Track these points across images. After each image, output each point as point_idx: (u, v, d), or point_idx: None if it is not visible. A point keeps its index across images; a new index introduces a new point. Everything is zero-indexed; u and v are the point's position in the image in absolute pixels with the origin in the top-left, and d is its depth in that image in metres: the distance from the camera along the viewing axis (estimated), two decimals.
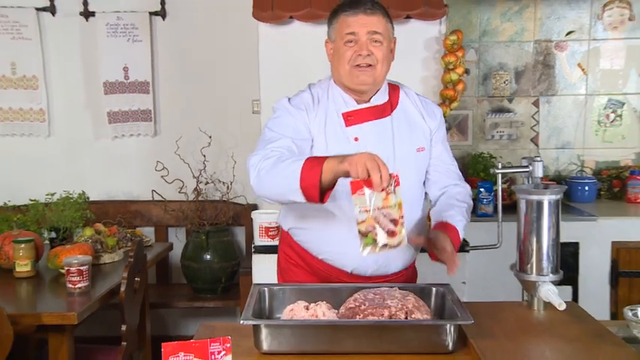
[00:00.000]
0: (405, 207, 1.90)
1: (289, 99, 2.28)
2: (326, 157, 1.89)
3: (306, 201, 1.91)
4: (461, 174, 2.41)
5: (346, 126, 2.22)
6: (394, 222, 1.85)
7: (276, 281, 2.46)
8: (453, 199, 2.31)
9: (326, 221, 2.21)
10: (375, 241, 1.84)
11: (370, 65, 2.16)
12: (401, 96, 2.32)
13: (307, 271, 2.33)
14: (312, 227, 2.27)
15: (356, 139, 2.20)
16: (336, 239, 2.21)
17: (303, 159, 1.92)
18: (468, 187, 2.39)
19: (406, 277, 2.36)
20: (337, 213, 2.17)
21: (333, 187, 1.90)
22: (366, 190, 1.81)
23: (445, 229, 2.16)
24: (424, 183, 2.37)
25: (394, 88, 2.33)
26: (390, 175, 1.82)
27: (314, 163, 1.89)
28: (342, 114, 2.23)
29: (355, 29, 2.14)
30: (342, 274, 2.25)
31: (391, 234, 1.85)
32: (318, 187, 1.86)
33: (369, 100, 2.25)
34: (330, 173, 1.85)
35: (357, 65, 2.15)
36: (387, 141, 2.22)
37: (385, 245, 1.86)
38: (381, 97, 2.26)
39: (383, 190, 1.80)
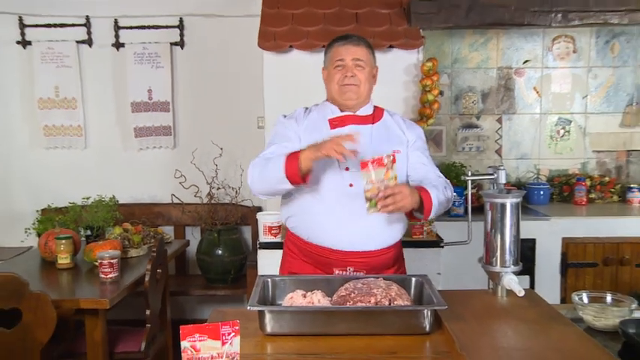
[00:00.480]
0: None
1: (285, 115, 2.41)
2: (302, 150, 2.09)
3: (292, 185, 2.12)
4: (443, 176, 2.37)
5: (330, 129, 2.29)
6: None
7: (278, 273, 2.45)
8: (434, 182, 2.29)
9: (309, 209, 2.26)
10: (376, 204, 2.01)
11: (354, 85, 2.26)
12: (385, 115, 2.39)
13: (301, 259, 2.33)
14: (298, 213, 2.30)
15: None
16: (317, 221, 2.25)
17: (285, 155, 2.11)
18: (451, 189, 2.33)
19: (388, 257, 2.32)
20: (317, 202, 2.23)
21: (310, 171, 2.09)
22: (370, 167, 2.00)
23: (418, 188, 2.14)
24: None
25: (380, 109, 2.40)
26: (388, 155, 2.01)
27: (293, 156, 2.09)
28: (329, 119, 2.31)
29: (343, 56, 2.26)
30: (325, 250, 2.25)
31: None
32: (298, 173, 2.07)
33: (355, 112, 2.32)
34: (308, 160, 2.06)
35: (345, 84, 2.26)
36: (364, 142, 2.20)
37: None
38: (365, 110, 2.34)
39: (379, 164, 2.00)
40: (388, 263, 2.33)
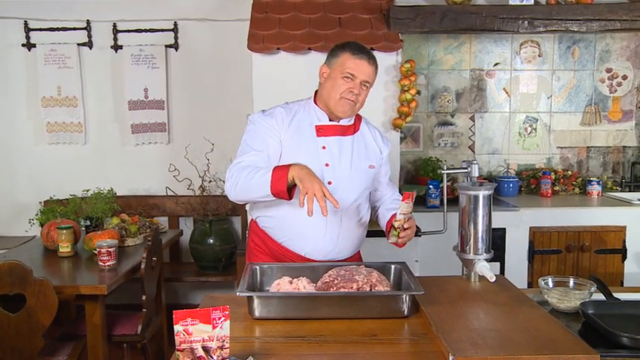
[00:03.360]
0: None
1: (263, 111, 2.23)
2: (288, 169, 1.94)
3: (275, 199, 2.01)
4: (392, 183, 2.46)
5: (317, 136, 2.18)
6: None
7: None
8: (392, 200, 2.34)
9: (287, 213, 2.16)
10: (398, 235, 2.04)
11: (354, 102, 2.13)
12: (362, 125, 2.30)
13: (268, 255, 2.25)
14: (276, 216, 2.20)
15: (324, 148, 2.17)
16: (294, 226, 2.16)
17: (269, 171, 1.97)
18: (396, 191, 2.41)
19: (354, 260, 2.30)
20: (295, 212, 2.08)
21: (295, 185, 1.94)
22: (408, 201, 1.97)
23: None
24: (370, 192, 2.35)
25: (358, 118, 2.30)
26: (414, 192, 2.00)
27: (280, 173, 1.95)
28: (316, 126, 2.19)
29: (356, 73, 2.10)
30: (297, 256, 2.19)
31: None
32: (286, 192, 1.95)
33: (338, 121, 2.22)
34: (292, 182, 1.93)
35: (347, 98, 2.12)
36: (347, 154, 2.19)
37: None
38: (348, 121, 2.24)
39: (412, 198, 1.98)
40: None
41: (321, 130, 2.19)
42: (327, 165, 2.15)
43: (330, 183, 2.13)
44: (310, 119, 2.20)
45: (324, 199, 1.85)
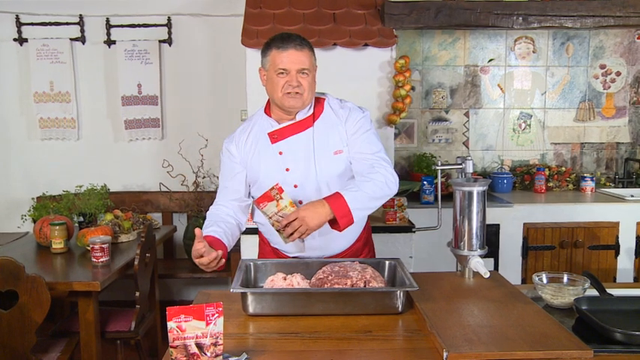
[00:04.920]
0: None
1: (229, 137, 2.23)
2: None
3: None
4: (384, 159, 2.10)
5: (272, 143, 2.12)
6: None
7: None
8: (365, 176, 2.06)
9: (266, 221, 2.09)
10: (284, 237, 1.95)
11: (298, 93, 2.03)
12: (325, 107, 2.15)
13: (273, 254, 2.28)
14: (265, 224, 2.14)
15: (280, 153, 2.12)
16: (275, 234, 2.09)
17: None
18: (384, 172, 2.05)
19: (357, 247, 2.26)
20: None
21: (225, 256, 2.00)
22: (261, 205, 1.95)
23: (329, 196, 1.95)
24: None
25: (319, 101, 2.16)
26: (272, 187, 1.93)
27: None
28: (268, 134, 2.13)
29: (286, 66, 2.01)
30: (288, 257, 2.22)
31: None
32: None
33: (294, 117, 2.11)
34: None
35: (288, 93, 2.03)
36: (308, 149, 2.11)
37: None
38: (304, 113, 2.12)
39: (268, 199, 1.94)
40: (355, 254, 2.27)
41: (274, 137, 2.12)
42: (287, 170, 2.11)
43: (295, 186, 2.09)
44: (264, 129, 2.15)
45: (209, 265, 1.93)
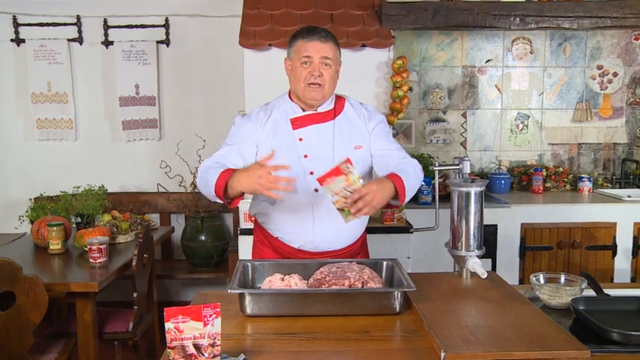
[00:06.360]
0: None
1: (243, 115, 2.27)
2: (232, 173, 1.92)
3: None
4: (408, 156, 2.21)
5: (293, 129, 2.17)
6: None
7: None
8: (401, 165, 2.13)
9: (274, 209, 2.19)
10: (350, 212, 1.87)
11: (320, 85, 2.11)
12: (346, 106, 2.24)
13: (271, 249, 2.27)
14: (266, 212, 2.23)
15: (300, 140, 2.16)
16: (284, 221, 2.18)
17: (219, 172, 1.95)
18: (415, 163, 2.16)
19: (352, 252, 2.27)
20: (284, 206, 2.15)
21: (242, 195, 1.96)
22: (329, 180, 1.85)
23: (388, 176, 2.00)
24: (371, 175, 2.28)
25: (340, 99, 2.25)
26: (343, 161, 1.85)
27: (224, 175, 1.93)
28: (290, 119, 2.18)
29: (311, 53, 2.10)
30: (292, 249, 2.21)
31: None
32: (223, 197, 1.96)
33: (316, 109, 2.19)
34: (237, 189, 1.91)
35: (310, 84, 2.11)
36: (327, 141, 2.16)
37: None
38: (326, 106, 2.20)
39: (336, 174, 1.84)
40: (354, 254, 2.28)
41: (296, 123, 2.17)
42: (305, 156, 2.14)
43: (311, 173, 2.11)
44: (286, 114, 2.20)
45: (277, 180, 1.82)
